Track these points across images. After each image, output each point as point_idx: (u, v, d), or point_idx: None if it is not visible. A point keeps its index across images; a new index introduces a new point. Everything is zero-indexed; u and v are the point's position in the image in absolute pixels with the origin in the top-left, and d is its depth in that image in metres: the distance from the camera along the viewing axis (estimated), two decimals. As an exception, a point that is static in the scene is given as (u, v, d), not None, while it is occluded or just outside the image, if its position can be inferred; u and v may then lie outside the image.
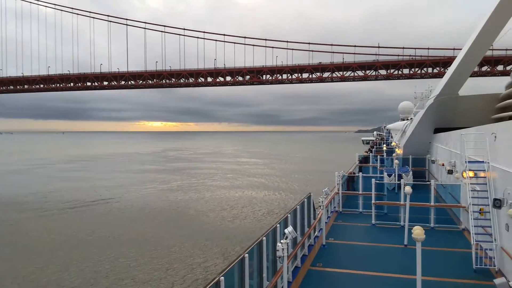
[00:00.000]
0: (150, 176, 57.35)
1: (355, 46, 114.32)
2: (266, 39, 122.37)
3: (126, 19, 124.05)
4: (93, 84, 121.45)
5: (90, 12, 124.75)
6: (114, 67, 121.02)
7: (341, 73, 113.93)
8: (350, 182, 20.26)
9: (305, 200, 11.67)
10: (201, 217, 30.13)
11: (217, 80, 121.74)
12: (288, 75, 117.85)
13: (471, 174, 11.22)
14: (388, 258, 11.11)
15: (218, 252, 20.91)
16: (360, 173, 19.17)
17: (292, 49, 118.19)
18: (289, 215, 9.37)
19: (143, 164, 79.60)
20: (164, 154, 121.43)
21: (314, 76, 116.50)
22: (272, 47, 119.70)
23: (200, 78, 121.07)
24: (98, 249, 21.63)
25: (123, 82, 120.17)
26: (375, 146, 53.22)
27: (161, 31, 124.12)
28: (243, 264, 6.09)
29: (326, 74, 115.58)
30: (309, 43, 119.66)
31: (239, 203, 35.45)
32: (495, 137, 10.50)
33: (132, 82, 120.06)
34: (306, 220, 11.59)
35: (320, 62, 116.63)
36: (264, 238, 7.37)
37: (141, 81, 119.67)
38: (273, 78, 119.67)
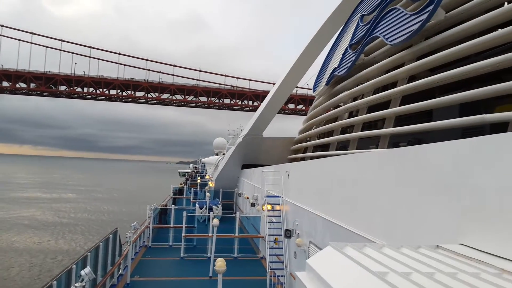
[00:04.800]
0: None
1: (173, 65, 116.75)
2: (62, 40, 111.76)
3: None
4: None
5: None
6: None
7: (157, 94, 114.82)
8: (162, 215, 21.87)
9: (111, 236, 12.05)
10: None
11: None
12: (92, 89, 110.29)
13: (269, 207, 14.44)
14: None
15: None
16: (173, 205, 21.09)
17: (99, 58, 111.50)
18: (89, 253, 9.57)
19: None
20: None
21: (124, 94, 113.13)
22: (72, 53, 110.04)
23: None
24: None
25: None
26: (190, 179, 57.75)
27: None
28: None
29: (140, 94, 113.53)
30: (119, 54, 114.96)
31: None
32: (288, 175, 13.99)
33: None
34: (110, 258, 11.95)
35: (132, 78, 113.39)
36: (55, 282, 7.35)
37: None
38: (70, 89, 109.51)
